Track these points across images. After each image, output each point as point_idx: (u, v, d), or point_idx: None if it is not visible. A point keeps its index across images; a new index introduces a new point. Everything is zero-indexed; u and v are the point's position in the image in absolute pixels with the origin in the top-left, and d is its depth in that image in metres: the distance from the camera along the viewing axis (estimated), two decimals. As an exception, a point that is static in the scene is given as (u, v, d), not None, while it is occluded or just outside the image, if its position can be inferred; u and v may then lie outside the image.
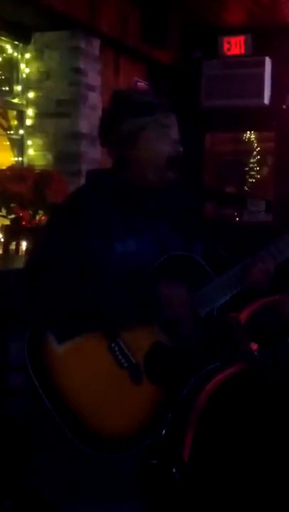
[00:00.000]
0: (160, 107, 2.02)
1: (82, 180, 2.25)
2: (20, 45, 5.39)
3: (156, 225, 1.99)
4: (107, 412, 1.82)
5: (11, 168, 4.86)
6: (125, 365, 1.83)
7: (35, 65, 5.41)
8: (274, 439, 1.66)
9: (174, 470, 1.27)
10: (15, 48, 5.39)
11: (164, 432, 1.71)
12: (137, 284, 1.85)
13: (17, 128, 5.52)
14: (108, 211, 1.93)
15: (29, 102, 5.43)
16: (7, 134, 5.62)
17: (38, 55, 5.38)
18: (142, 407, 1.82)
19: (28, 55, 5.42)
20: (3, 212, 4.59)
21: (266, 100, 6.53)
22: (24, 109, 5.46)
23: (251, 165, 8.08)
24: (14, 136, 5.54)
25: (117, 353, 1.84)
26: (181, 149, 2.03)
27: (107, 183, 2.01)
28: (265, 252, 1.97)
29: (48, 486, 1.95)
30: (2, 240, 4.72)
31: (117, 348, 1.84)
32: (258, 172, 7.99)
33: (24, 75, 5.45)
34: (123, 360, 1.84)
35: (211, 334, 1.91)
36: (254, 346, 2.03)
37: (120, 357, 1.84)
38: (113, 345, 1.84)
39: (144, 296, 1.83)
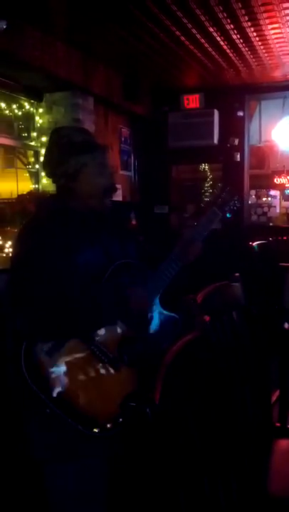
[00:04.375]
0: (97, 146, 1.83)
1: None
2: (35, 102, 5.38)
3: (99, 238, 1.80)
4: (99, 400, 1.67)
5: (29, 193, 4.85)
6: (105, 360, 1.70)
7: (46, 117, 5.39)
8: (220, 387, 1.67)
9: (147, 410, 1.26)
10: (31, 105, 5.38)
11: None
12: (109, 290, 1.70)
13: (34, 163, 5.51)
14: (64, 231, 1.72)
15: (42, 144, 5.40)
16: (27, 168, 5.62)
17: (48, 110, 5.37)
18: (124, 387, 1.63)
19: (40, 110, 5.41)
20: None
21: (215, 141, 6.55)
22: (39, 150, 5.44)
23: (206, 188, 8.12)
24: (32, 170, 5.54)
25: (97, 352, 1.69)
26: (114, 181, 1.88)
27: (57, 209, 1.79)
28: (191, 233, 1.88)
29: (39, 450, 1.77)
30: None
31: (96, 349, 1.69)
32: (210, 193, 8.03)
33: (38, 125, 5.43)
34: (103, 357, 1.69)
35: (163, 324, 1.81)
36: (207, 318, 2.03)
37: (100, 355, 1.69)
38: (92, 347, 1.69)
39: (117, 299, 1.70)
